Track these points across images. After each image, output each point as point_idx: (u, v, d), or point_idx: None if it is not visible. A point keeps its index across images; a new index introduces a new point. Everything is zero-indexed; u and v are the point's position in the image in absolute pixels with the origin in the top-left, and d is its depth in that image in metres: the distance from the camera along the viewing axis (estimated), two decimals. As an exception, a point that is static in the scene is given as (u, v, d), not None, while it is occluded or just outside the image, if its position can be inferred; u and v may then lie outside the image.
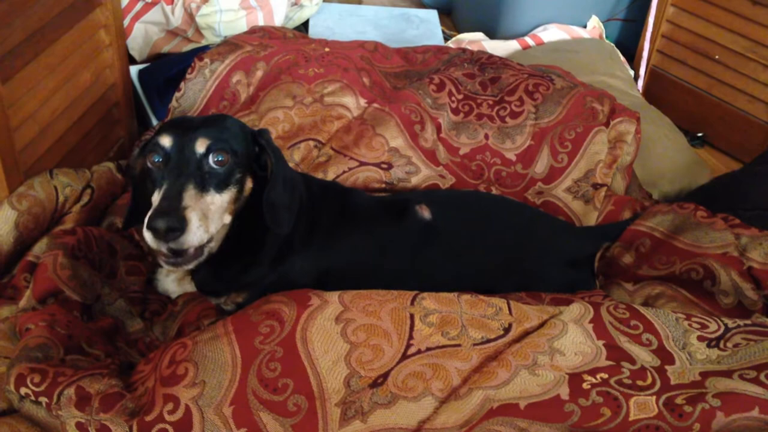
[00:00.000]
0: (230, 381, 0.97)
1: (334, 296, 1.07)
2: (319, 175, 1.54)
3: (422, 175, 1.58)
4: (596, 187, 1.58)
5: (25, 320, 1.11)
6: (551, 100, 1.66)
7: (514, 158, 1.62)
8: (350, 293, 1.08)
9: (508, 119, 1.65)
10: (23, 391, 1.00)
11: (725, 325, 1.09)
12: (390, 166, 1.56)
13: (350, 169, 1.55)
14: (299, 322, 1.02)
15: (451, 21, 2.83)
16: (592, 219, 1.56)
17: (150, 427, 0.94)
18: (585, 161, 1.60)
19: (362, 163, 1.56)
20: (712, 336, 1.07)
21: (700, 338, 1.07)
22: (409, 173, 1.57)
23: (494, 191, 1.61)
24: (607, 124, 1.63)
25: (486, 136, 1.64)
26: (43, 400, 0.99)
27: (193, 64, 1.67)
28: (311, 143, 1.59)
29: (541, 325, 1.07)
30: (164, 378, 0.99)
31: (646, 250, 1.40)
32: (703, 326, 1.09)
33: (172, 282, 1.38)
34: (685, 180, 1.85)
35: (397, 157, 1.57)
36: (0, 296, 1.25)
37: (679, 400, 0.94)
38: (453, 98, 1.68)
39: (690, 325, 1.09)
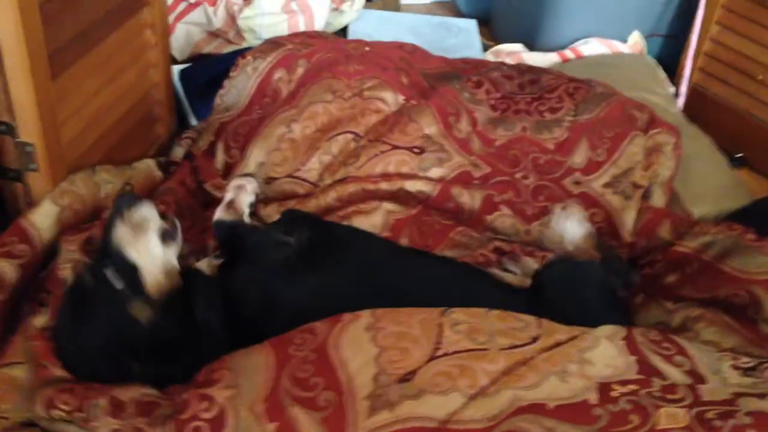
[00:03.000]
0: (264, 381, 0.99)
1: (366, 311, 1.09)
2: (351, 161, 1.56)
3: (455, 161, 1.58)
4: (636, 186, 1.56)
5: (39, 355, 1.10)
6: (591, 101, 1.66)
7: (552, 147, 1.61)
8: (381, 309, 1.10)
9: (546, 114, 1.65)
10: (54, 413, 1.00)
11: (759, 358, 1.08)
12: (422, 151, 1.57)
13: (382, 152, 1.57)
14: (332, 332, 1.06)
15: (489, 31, 2.82)
16: (630, 216, 1.53)
17: (185, 424, 0.95)
18: (624, 160, 1.58)
19: (394, 147, 1.57)
20: (746, 366, 1.06)
21: (734, 367, 1.06)
22: (440, 159, 1.58)
23: (531, 179, 1.58)
24: (645, 132, 1.61)
25: (523, 129, 1.64)
26: (78, 416, 0.99)
27: (237, 63, 1.72)
28: (349, 136, 1.61)
29: (571, 338, 1.07)
30: (200, 382, 1.01)
31: (691, 272, 1.36)
32: (736, 357, 1.08)
33: None
34: (724, 201, 1.81)
35: (430, 143, 1.58)
36: (35, 301, 1.21)
37: (710, 415, 0.93)
38: (491, 96, 1.69)
39: (724, 354, 1.08)
